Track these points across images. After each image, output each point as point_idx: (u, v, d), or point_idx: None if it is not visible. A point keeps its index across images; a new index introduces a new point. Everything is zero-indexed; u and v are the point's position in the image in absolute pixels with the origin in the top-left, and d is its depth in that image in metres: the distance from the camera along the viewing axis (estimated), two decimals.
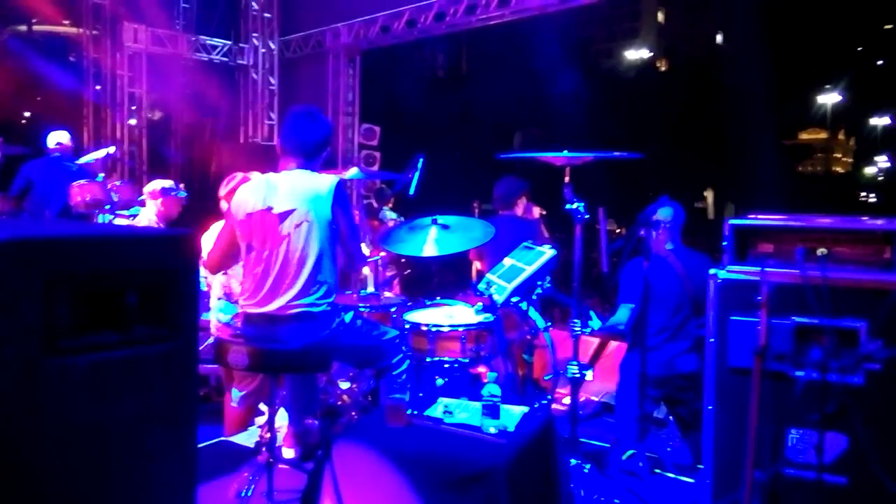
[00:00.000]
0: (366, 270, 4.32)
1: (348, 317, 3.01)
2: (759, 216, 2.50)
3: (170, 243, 1.55)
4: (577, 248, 3.16)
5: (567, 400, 3.41)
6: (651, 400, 3.59)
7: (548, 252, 3.40)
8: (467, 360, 3.28)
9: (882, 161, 34.55)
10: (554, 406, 3.54)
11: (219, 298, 3.83)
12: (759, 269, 2.26)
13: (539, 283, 3.42)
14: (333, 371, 3.77)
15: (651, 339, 3.47)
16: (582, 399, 4.01)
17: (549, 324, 3.62)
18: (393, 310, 3.75)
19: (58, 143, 6.07)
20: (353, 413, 3.68)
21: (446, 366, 3.29)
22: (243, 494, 2.73)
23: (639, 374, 3.32)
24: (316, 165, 3.00)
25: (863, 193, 31.83)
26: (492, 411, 2.45)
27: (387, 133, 10.91)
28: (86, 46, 9.79)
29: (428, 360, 3.28)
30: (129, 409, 1.44)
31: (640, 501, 3.09)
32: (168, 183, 4.93)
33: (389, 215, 7.35)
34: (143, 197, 5.12)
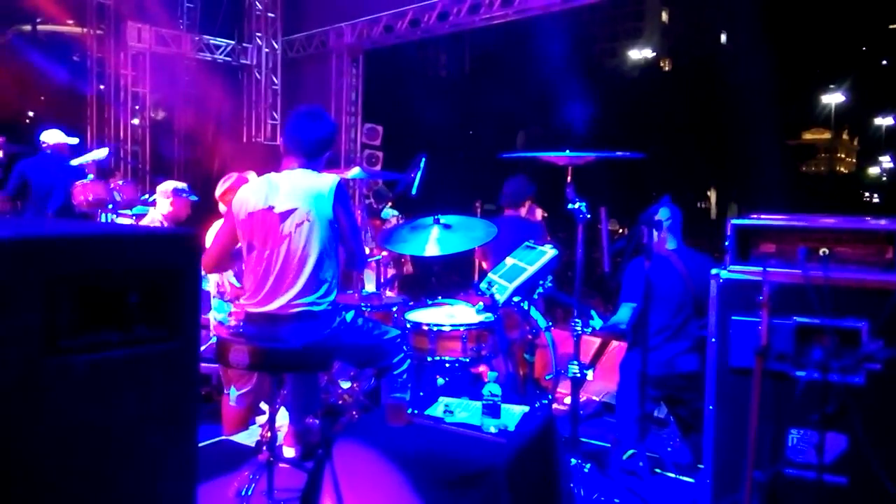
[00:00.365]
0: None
1: (349, 316, 3.01)
2: (762, 216, 2.50)
3: (171, 243, 1.55)
4: (579, 248, 3.16)
5: (568, 399, 3.42)
6: (651, 400, 3.59)
7: (549, 252, 3.40)
8: (468, 360, 3.28)
9: (886, 161, 34.49)
10: (555, 406, 3.55)
11: (213, 297, 3.84)
12: (760, 269, 2.26)
13: (540, 282, 3.42)
14: (334, 370, 3.77)
15: (651, 339, 3.46)
16: (583, 399, 4.01)
17: (551, 323, 3.62)
18: (394, 309, 3.75)
19: (53, 142, 6.05)
20: (354, 412, 3.69)
21: (447, 365, 3.29)
22: (244, 493, 2.73)
23: (639, 373, 3.32)
24: (318, 165, 3.00)
25: (866, 193, 31.77)
26: (492, 411, 2.45)
27: (389, 133, 10.91)
28: (90, 46, 9.81)
29: (429, 359, 3.28)
30: (130, 409, 1.44)
31: (641, 501, 3.09)
32: (181, 185, 4.95)
33: (391, 214, 7.35)
34: (153, 197, 5.13)
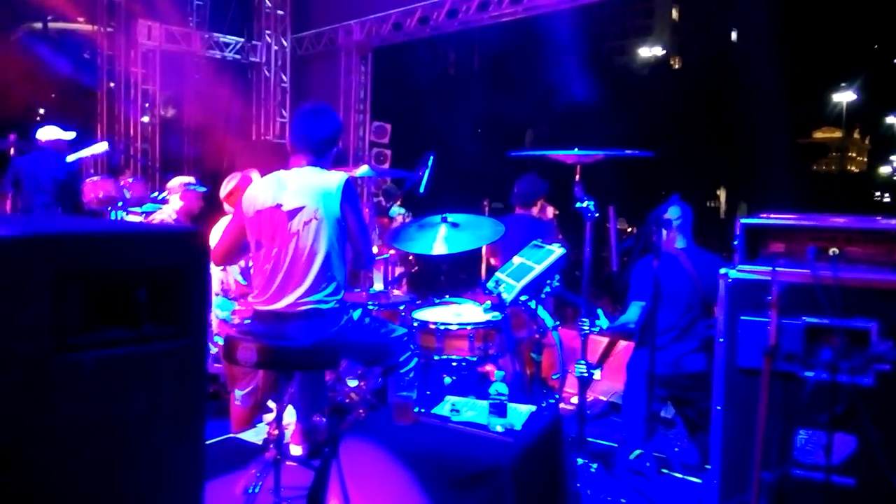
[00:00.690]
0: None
1: (357, 314, 3.02)
2: (771, 215, 2.49)
3: (180, 241, 1.56)
4: (587, 247, 3.16)
5: (575, 399, 3.41)
6: (658, 400, 3.58)
7: (557, 251, 3.40)
8: (475, 359, 3.29)
9: None
10: (561, 405, 3.54)
11: (216, 294, 3.85)
12: (769, 268, 2.25)
13: (548, 281, 3.42)
14: (341, 369, 3.78)
15: (659, 339, 3.45)
16: (589, 398, 4.01)
17: (558, 322, 3.61)
18: (401, 308, 3.76)
19: (46, 138, 6.00)
20: (361, 410, 3.69)
21: (454, 364, 3.30)
22: (251, 491, 2.74)
23: (646, 373, 3.31)
24: (326, 162, 3.01)
25: (877, 193, 31.54)
26: (499, 410, 2.45)
27: (398, 131, 10.92)
28: (100, 43, 9.86)
29: (436, 358, 3.28)
30: (138, 406, 1.45)
31: (647, 501, 3.08)
32: (189, 179, 4.98)
33: (398, 211, 7.35)
34: (163, 194, 5.15)
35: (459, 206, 3.94)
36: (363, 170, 4.07)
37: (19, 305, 1.29)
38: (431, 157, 5.21)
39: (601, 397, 4.61)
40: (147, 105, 10.14)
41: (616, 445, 3.60)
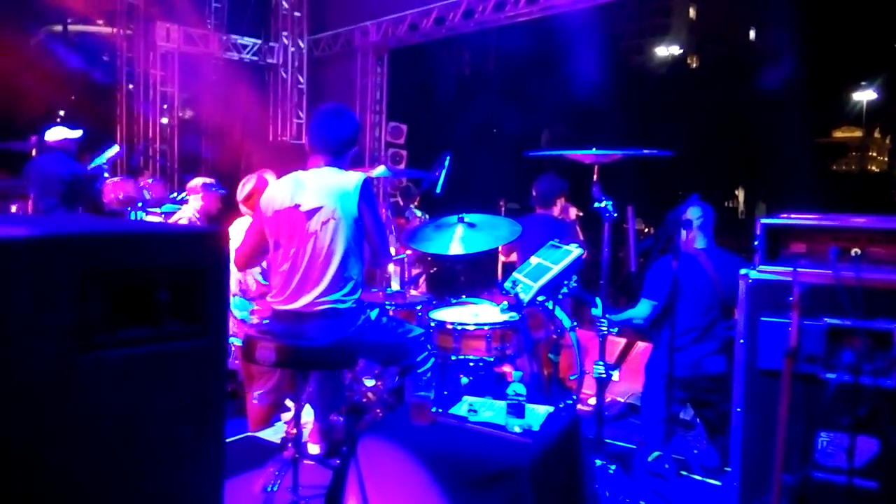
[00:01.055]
0: (391, 268, 4.33)
1: (374, 314, 3.03)
2: (792, 216, 2.46)
3: (201, 241, 1.57)
4: (605, 248, 3.14)
5: (592, 400, 3.40)
6: (677, 401, 3.55)
7: (574, 251, 3.38)
8: (492, 359, 3.28)
9: None
10: (579, 406, 3.53)
11: (234, 295, 3.87)
12: (791, 269, 2.22)
13: (565, 282, 3.41)
14: (359, 368, 3.79)
15: (678, 340, 3.43)
16: (607, 400, 3.98)
17: (576, 323, 3.60)
18: (418, 308, 3.76)
19: (53, 139, 6.01)
20: (378, 410, 3.70)
21: (471, 364, 3.29)
22: (269, 489, 2.76)
23: (665, 375, 3.29)
24: (344, 163, 3.02)
25: None
26: (517, 410, 2.45)
27: (414, 131, 10.94)
28: (119, 46, 9.96)
29: (453, 358, 3.28)
30: (160, 404, 1.47)
31: (666, 503, 3.07)
32: (208, 179, 5.02)
33: (418, 214, 7.37)
34: (183, 195, 5.18)
35: (475, 206, 3.94)
36: (380, 170, 4.09)
37: (44, 305, 1.30)
38: (448, 158, 5.21)
39: (619, 398, 4.59)
40: (165, 106, 10.23)
41: (635, 447, 3.58)
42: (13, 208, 6.46)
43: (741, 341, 2.37)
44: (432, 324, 3.36)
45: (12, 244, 1.27)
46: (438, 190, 5.25)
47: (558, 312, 3.53)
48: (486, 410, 2.58)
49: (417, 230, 3.96)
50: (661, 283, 3.56)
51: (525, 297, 3.28)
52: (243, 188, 3.99)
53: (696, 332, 3.54)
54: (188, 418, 1.52)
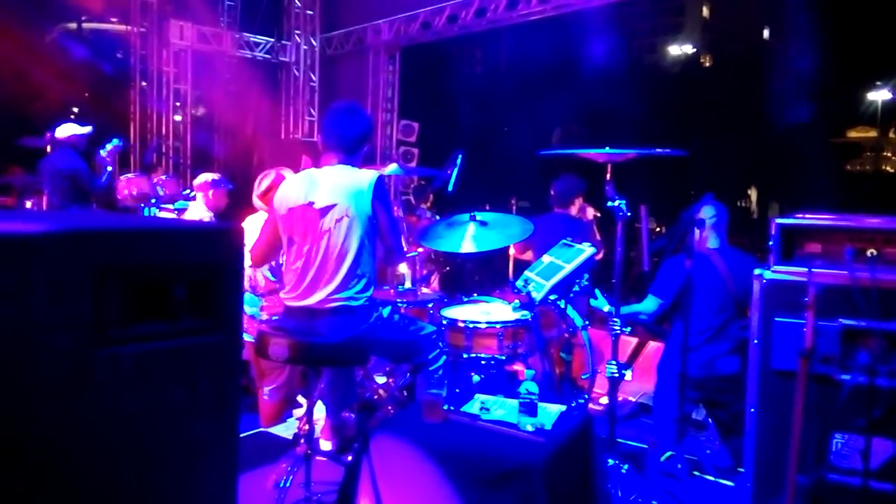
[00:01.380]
0: (403, 267, 4.34)
1: (386, 311, 3.03)
2: (807, 216, 2.45)
3: (216, 237, 1.57)
4: (619, 247, 3.13)
5: (604, 399, 3.39)
6: (690, 401, 3.54)
7: (587, 250, 3.38)
8: (504, 358, 3.28)
9: None
10: (591, 406, 3.52)
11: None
12: (806, 269, 2.21)
13: (577, 280, 3.40)
14: (370, 365, 3.80)
15: (691, 340, 3.41)
16: (619, 399, 3.97)
17: (588, 322, 3.59)
18: (430, 305, 3.76)
19: (62, 136, 6.04)
20: (390, 407, 3.71)
21: (483, 362, 3.29)
22: (282, 485, 2.77)
23: (678, 375, 3.27)
24: (357, 160, 3.03)
25: None
26: (529, 409, 2.45)
27: (425, 129, 10.94)
28: (133, 43, 10.02)
29: (465, 356, 3.28)
30: (176, 399, 1.47)
31: (679, 503, 3.06)
32: (215, 175, 5.04)
33: (426, 212, 7.37)
34: (190, 192, 5.21)
35: (487, 204, 3.94)
36: (392, 168, 4.09)
37: (60, 300, 1.31)
38: (460, 156, 5.21)
39: (630, 398, 4.58)
40: (178, 104, 10.29)
41: (647, 447, 3.56)
42: (28, 204, 6.52)
43: (755, 341, 2.36)
44: (444, 322, 3.36)
45: (28, 239, 1.28)
46: (450, 188, 5.25)
47: (570, 311, 3.52)
48: (498, 409, 2.58)
49: (429, 228, 3.96)
50: (672, 281, 3.54)
51: (537, 295, 3.27)
52: (260, 184, 4.00)
53: (710, 332, 3.52)
54: (203, 414, 1.53)
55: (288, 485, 2.77)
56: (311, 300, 2.87)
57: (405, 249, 3.53)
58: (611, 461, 3.05)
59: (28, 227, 1.29)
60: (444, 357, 3.16)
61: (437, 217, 7.05)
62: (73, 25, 13.99)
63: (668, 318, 3.66)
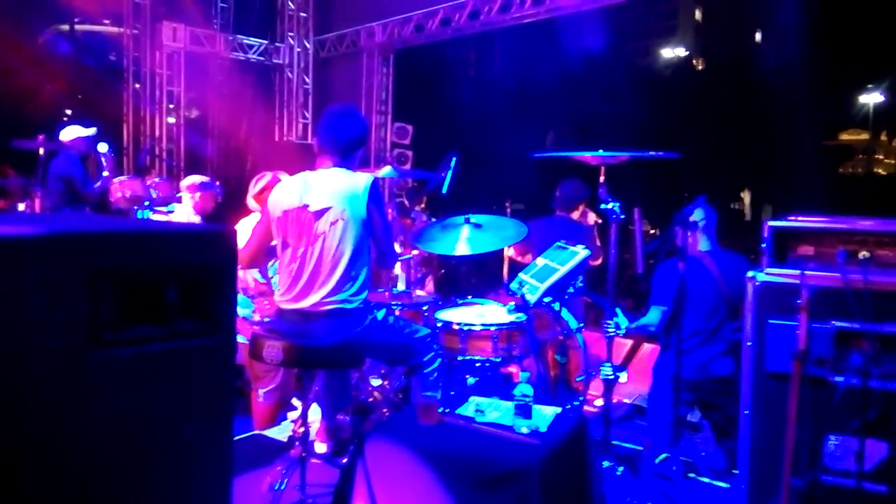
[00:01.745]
0: (397, 269, 4.34)
1: (381, 314, 3.03)
2: (800, 218, 2.46)
3: (210, 239, 1.57)
4: (612, 249, 3.14)
5: (599, 401, 3.39)
6: (685, 403, 3.54)
7: (581, 252, 3.38)
8: (499, 360, 3.28)
9: None
10: (585, 408, 3.52)
11: None
12: (799, 272, 2.22)
13: (572, 283, 3.41)
14: (365, 368, 3.80)
15: (685, 342, 3.42)
16: (614, 401, 3.98)
17: (582, 324, 3.60)
18: (425, 308, 3.76)
19: (67, 139, 5.97)
20: (385, 410, 3.70)
21: (477, 365, 3.29)
22: (276, 488, 2.76)
23: (672, 377, 3.28)
24: (352, 163, 3.02)
25: None
26: (524, 411, 2.45)
27: (419, 132, 10.94)
28: (126, 45, 9.99)
29: (459, 358, 3.28)
30: (170, 401, 1.47)
31: None
32: (203, 178, 5.02)
33: (422, 214, 7.37)
34: (179, 193, 5.18)
35: (482, 206, 3.94)
36: (386, 170, 4.09)
37: (54, 302, 1.31)
38: (454, 159, 5.22)
39: (625, 400, 4.58)
40: (172, 106, 10.25)
41: (642, 449, 3.57)
42: (21, 206, 6.48)
43: (749, 344, 2.37)
44: (439, 324, 3.36)
45: (22, 242, 1.27)
46: (444, 191, 5.26)
47: (565, 314, 3.53)
48: (492, 411, 2.58)
49: (424, 230, 3.97)
50: (668, 287, 3.55)
51: (531, 297, 3.27)
52: (256, 184, 3.99)
53: (703, 334, 3.53)
54: (197, 416, 1.52)
55: (283, 487, 2.76)
56: (305, 303, 2.87)
57: (398, 252, 3.53)
58: (606, 463, 3.05)
59: (22, 229, 1.29)
60: (438, 359, 3.16)
61: (433, 219, 7.06)
62: (66, 27, 13.94)
63: (668, 322, 3.67)
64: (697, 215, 3.63)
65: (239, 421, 3.79)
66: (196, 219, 4.87)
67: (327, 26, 11.14)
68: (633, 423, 4.28)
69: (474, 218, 3.67)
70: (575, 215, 4.78)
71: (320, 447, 3.26)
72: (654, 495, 3.07)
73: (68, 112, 12.85)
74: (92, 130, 6.01)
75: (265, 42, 11.06)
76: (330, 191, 2.88)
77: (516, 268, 4.53)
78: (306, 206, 2.88)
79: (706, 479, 3.32)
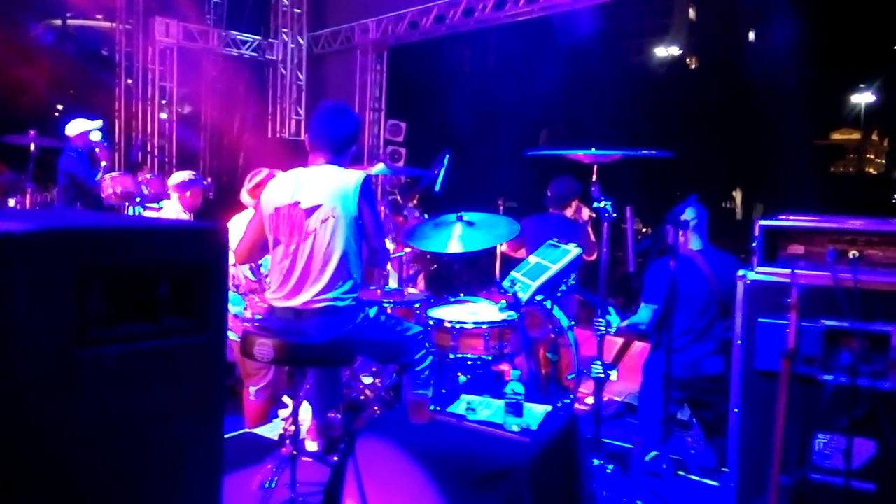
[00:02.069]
0: (389, 267, 4.33)
1: (372, 312, 3.03)
2: (790, 217, 2.47)
3: (201, 236, 1.57)
4: (604, 247, 3.14)
5: (590, 399, 3.40)
6: (675, 402, 3.56)
7: (573, 251, 3.39)
8: (490, 358, 3.28)
9: None
10: (576, 406, 3.53)
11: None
12: (789, 270, 2.23)
13: (564, 281, 3.41)
14: (356, 365, 3.79)
15: (676, 341, 3.43)
16: (605, 399, 3.99)
17: (573, 323, 3.60)
18: (417, 306, 3.76)
19: (72, 133, 5.91)
20: (376, 407, 3.70)
21: (469, 363, 3.30)
22: (267, 486, 2.76)
23: (663, 375, 3.29)
24: (344, 160, 3.02)
25: None
26: (515, 409, 2.45)
27: (413, 129, 10.92)
28: (118, 40, 9.94)
29: (451, 356, 3.29)
30: (159, 400, 1.46)
31: (664, 503, 3.07)
32: (191, 174, 5.00)
33: (414, 212, 7.36)
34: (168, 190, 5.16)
35: (474, 204, 3.94)
36: (379, 168, 4.08)
37: (42, 299, 1.30)
38: (447, 156, 5.22)
39: (616, 398, 4.59)
40: (164, 102, 10.21)
41: (632, 447, 3.58)
42: (11, 202, 6.45)
43: (739, 342, 2.38)
44: (430, 322, 3.36)
45: (9, 238, 1.26)
46: (437, 188, 5.26)
47: (556, 312, 3.53)
48: (484, 409, 2.59)
49: (416, 228, 3.96)
50: (659, 285, 3.56)
51: (523, 295, 3.28)
52: (251, 180, 3.98)
53: (694, 333, 3.54)
54: (188, 414, 1.52)
55: (273, 486, 2.75)
56: (296, 300, 2.86)
57: (390, 249, 3.53)
58: (596, 461, 3.06)
59: (11, 226, 1.28)
60: (430, 357, 3.16)
61: (426, 216, 7.06)
62: (58, 22, 13.87)
63: (658, 320, 3.68)
64: (689, 214, 3.63)
65: (230, 419, 3.79)
66: (185, 215, 4.85)
67: (321, 22, 11.11)
68: (624, 421, 4.29)
69: (467, 216, 3.67)
70: (569, 212, 4.79)
71: (311, 445, 3.26)
72: (644, 493, 3.08)
73: (59, 107, 12.79)
74: (98, 123, 5.93)
75: (258, 38, 11.02)
76: (321, 188, 2.87)
77: (509, 265, 4.53)
78: (297, 203, 2.87)
79: (696, 477, 3.34)
